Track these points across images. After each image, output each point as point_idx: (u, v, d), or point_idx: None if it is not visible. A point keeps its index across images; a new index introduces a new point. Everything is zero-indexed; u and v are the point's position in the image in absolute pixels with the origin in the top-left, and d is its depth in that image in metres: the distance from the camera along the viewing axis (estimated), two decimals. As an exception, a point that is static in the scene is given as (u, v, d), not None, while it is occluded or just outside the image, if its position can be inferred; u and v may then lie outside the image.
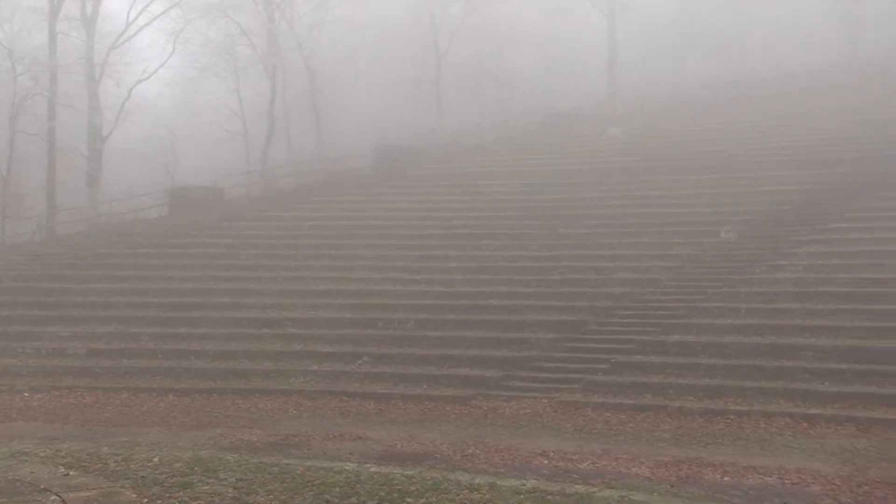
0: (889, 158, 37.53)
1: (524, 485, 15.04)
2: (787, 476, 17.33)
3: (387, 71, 66.40)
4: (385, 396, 25.76)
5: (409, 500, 13.45)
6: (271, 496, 12.86)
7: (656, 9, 71.57)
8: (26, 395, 27.54)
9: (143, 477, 13.68)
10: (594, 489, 15.15)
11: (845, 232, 31.41)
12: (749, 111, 50.75)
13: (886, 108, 45.93)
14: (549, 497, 14.16)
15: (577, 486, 15.36)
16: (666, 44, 70.83)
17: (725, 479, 17.38)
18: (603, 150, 47.88)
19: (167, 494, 12.49)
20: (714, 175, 39.57)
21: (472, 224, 38.51)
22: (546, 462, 18.82)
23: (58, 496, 11.86)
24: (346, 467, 16.03)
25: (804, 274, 28.99)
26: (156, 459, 15.37)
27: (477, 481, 15.12)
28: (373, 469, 16.04)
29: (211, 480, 13.73)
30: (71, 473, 13.68)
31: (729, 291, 28.68)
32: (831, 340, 24.49)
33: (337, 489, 13.75)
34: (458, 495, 13.91)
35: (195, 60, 61.18)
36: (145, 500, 12.14)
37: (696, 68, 67.49)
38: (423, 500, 13.43)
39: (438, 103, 63.17)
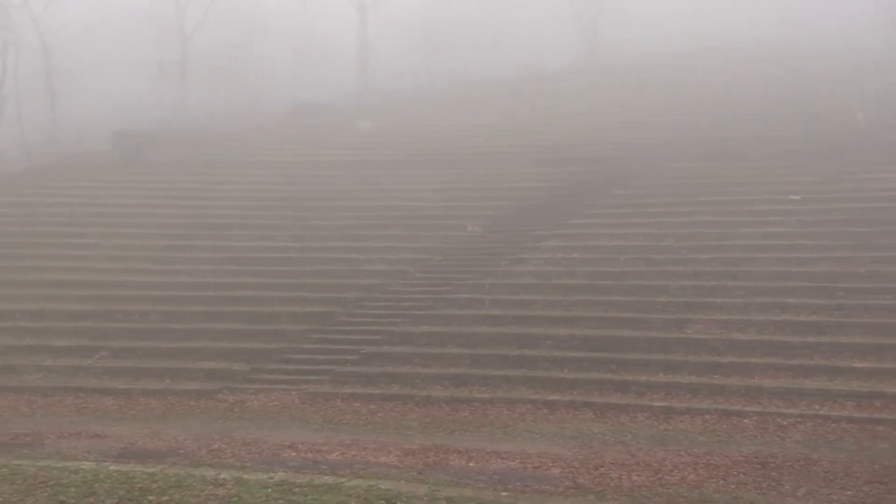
0: (624, 158, 39.72)
1: (272, 478, 14.89)
2: (529, 460, 17.97)
3: (131, 53, 63.82)
4: (125, 392, 24.72)
5: (150, 497, 13.02)
6: (0, 498, 12.01)
7: (409, 6, 72.75)
8: None
9: None
10: (343, 479, 15.18)
11: (584, 228, 32.95)
12: (496, 110, 52.28)
13: (624, 109, 48.56)
14: (297, 489, 14.07)
15: (325, 478, 15.34)
16: (418, 41, 72.06)
17: (471, 464, 17.82)
18: (354, 143, 47.97)
19: None
20: (462, 170, 40.50)
21: (220, 214, 37.60)
22: (294, 454, 18.67)
23: None
24: (83, 466, 15.37)
25: (545, 267, 30.16)
26: None
27: (223, 476, 14.82)
28: (112, 467, 15.45)
29: (-71, 485, 12.69)
30: None
31: (475, 283, 29.41)
32: (570, 330, 25.59)
33: (73, 489, 13.11)
34: (202, 491, 13.59)
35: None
36: None
37: (447, 66, 69.00)
38: (165, 498, 13.02)
39: (185, 88, 61.33)
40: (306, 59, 70.50)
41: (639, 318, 25.83)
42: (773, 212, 31.83)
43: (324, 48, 71.19)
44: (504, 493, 15.13)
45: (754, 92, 47.41)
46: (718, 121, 43.36)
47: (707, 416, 20.94)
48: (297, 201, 38.41)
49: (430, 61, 71.20)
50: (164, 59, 62.82)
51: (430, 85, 64.01)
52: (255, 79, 65.48)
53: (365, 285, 30.25)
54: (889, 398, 20.79)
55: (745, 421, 20.54)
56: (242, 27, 65.89)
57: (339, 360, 25.68)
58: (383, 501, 13.64)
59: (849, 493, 15.74)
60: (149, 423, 21.85)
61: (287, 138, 50.67)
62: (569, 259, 30.52)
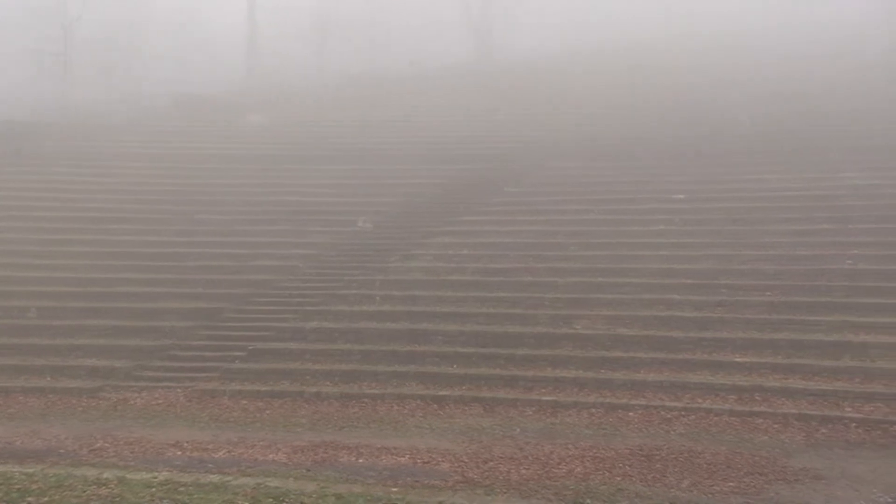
0: (515, 156, 40.08)
1: (156, 477, 14.58)
2: (419, 455, 17.97)
3: (10, 43, 61.65)
4: (3, 390, 23.83)
5: (30, 499, 12.60)
6: None
7: (299, 3, 72.14)
8: None
9: None
10: (229, 478, 14.93)
11: (475, 224, 33.12)
12: (388, 106, 52.19)
13: (515, 108, 49.00)
14: (182, 489, 13.80)
15: (211, 476, 15.08)
16: (308, 38, 71.48)
17: (360, 460, 17.74)
18: (242, 137, 47.25)
19: None
20: (352, 166, 40.28)
21: (102, 207, 36.54)
22: (180, 453, 18.28)
23: None
24: (-43, 468, 14.73)
25: (435, 263, 30.21)
26: None
27: (105, 476, 14.43)
28: (-13, 468, 14.85)
29: None
30: None
31: (365, 279, 29.30)
32: (459, 326, 25.69)
33: (-55, 492, 12.53)
34: (84, 491, 13.20)
35: None
36: None
37: (337, 63, 68.66)
38: (45, 499, 12.61)
39: (65, 77, 59.49)
40: (192, 52, 69.21)
41: (527, 314, 26.09)
42: (658, 210, 32.50)
43: (211, 40, 70.00)
44: (394, 489, 15.09)
45: (645, 94, 48.38)
46: (608, 122, 44.09)
47: (593, 410, 21.26)
48: (182, 195, 37.58)
49: (320, 56, 70.73)
50: (46, 49, 60.84)
51: (320, 80, 63.54)
52: (139, 70, 63.94)
53: (254, 281, 29.84)
54: (768, 392, 21.40)
55: (631, 414, 20.92)
56: (125, 18, 64.23)
57: (226, 356, 25.24)
58: (271, 499, 13.45)
59: (731, 484, 16.15)
60: (28, 422, 21.14)
61: (171, 131, 49.55)
62: (459, 255, 30.64)
